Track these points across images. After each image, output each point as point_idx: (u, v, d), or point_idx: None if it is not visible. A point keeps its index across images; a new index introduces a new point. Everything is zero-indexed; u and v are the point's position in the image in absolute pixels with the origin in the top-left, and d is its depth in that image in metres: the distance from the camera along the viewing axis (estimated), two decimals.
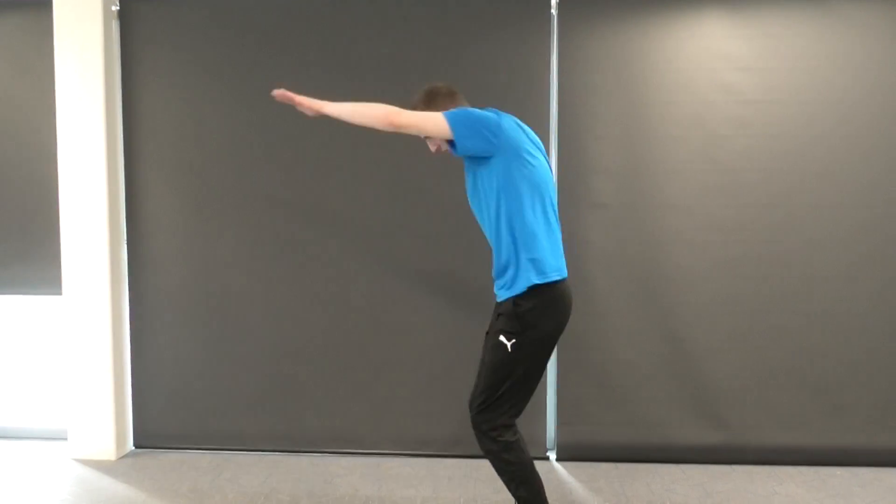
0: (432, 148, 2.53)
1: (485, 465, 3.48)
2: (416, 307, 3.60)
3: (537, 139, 2.49)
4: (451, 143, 2.34)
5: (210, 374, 3.66)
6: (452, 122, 2.29)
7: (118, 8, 3.58)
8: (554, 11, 3.48)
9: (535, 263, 2.34)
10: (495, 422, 2.39)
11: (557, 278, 2.37)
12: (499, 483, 3.28)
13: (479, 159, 2.37)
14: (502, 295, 2.42)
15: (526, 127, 2.47)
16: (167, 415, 3.69)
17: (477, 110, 2.35)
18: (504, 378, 2.37)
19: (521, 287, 2.34)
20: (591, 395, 3.52)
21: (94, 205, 3.53)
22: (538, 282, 2.33)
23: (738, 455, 3.48)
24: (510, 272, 2.38)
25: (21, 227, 3.74)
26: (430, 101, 2.47)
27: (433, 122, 2.29)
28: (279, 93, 2.35)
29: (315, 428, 3.65)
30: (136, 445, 3.72)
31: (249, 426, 3.67)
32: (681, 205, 3.46)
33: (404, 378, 3.61)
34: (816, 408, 3.47)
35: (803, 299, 3.45)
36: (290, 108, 3.55)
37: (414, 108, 2.48)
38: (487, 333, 2.52)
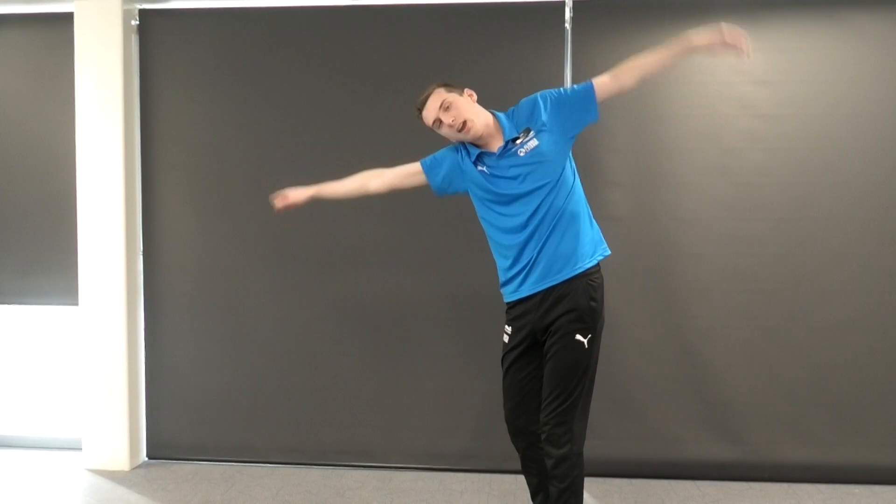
0: (447, 120, 2.41)
1: (498, 480, 3.45)
2: (430, 320, 3.60)
3: None
4: (593, 114, 2.46)
5: (223, 386, 3.67)
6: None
7: (137, 23, 3.64)
8: (568, 25, 3.50)
9: (600, 234, 2.52)
10: (571, 423, 2.38)
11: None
12: (510, 498, 3.25)
13: (572, 138, 2.47)
14: (568, 273, 2.38)
15: None
16: (180, 426, 3.70)
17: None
18: (581, 377, 2.38)
19: (599, 255, 2.44)
20: (604, 409, 3.48)
21: (111, 216, 3.56)
22: (609, 252, 2.50)
23: (755, 472, 3.43)
24: (586, 244, 2.42)
25: (38, 237, 3.78)
26: (444, 84, 2.48)
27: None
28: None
29: (327, 441, 3.64)
30: (149, 456, 3.73)
31: (262, 438, 3.67)
32: (695, 218, 3.45)
33: (417, 391, 3.60)
34: (834, 424, 3.42)
35: (819, 313, 3.42)
36: (305, 120, 3.58)
37: (428, 92, 2.46)
38: (516, 348, 2.52)
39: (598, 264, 2.46)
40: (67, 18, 3.60)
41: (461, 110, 2.40)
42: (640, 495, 3.29)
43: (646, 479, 3.46)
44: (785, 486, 3.38)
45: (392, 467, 3.61)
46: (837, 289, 3.41)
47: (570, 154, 2.49)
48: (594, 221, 2.52)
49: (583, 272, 2.38)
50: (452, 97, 2.41)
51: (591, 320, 2.38)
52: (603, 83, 2.44)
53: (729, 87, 3.43)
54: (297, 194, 2.71)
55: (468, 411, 3.57)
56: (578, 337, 2.36)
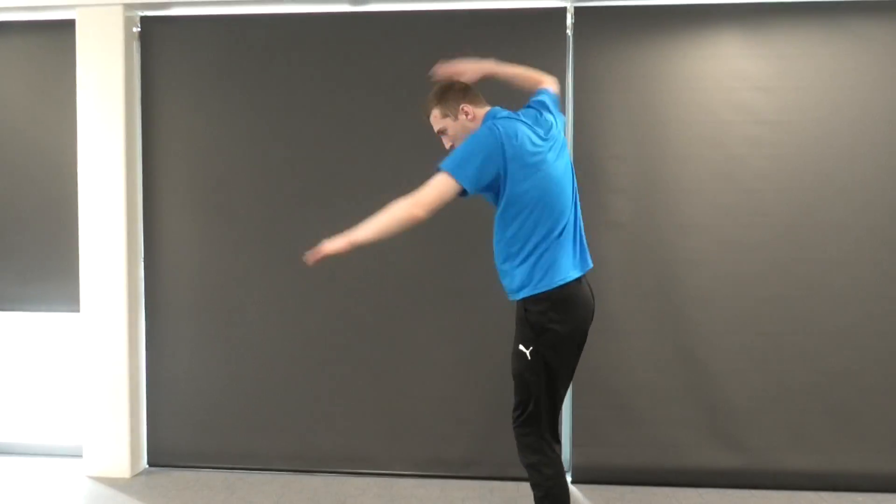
0: (446, 145, 2.52)
1: (499, 487, 3.44)
2: (431, 326, 3.59)
3: (551, 128, 2.46)
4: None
5: (224, 393, 3.67)
6: (456, 172, 2.24)
7: (139, 29, 3.64)
8: (569, 32, 3.50)
9: (543, 271, 2.32)
10: (536, 433, 2.38)
11: (564, 282, 2.33)
12: None
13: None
14: (511, 296, 2.41)
15: (539, 121, 2.44)
16: (181, 433, 3.70)
17: (476, 144, 2.29)
18: (531, 386, 2.36)
19: (526, 293, 2.34)
20: (606, 416, 3.48)
21: (113, 222, 3.56)
22: (542, 290, 2.31)
23: (758, 479, 3.42)
24: (517, 279, 2.36)
25: (40, 244, 3.78)
26: (441, 98, 2.47)
27: (444, 186, 2.24)
28: (313, 259, 2.35)
29: (328, 448, 3.64)
30: (150, 463, 3.73)
31: (263, 445, 3.66)
32: (697, 224, 3.44)
33: (418, 398, 3.59)
34: (837, 431, 3.41)
35: (822, 320, 3.41)
36: (307, 126, 3.59)
37: (427, 107, 2.50)
38: None
39: (548, 291, 2.33)
40: (69, 25, 3.61)
41: (456, 139, 2.47)
42: (642, 502, 3.28)
43: (648, 486, 3.45)
44: (787, 493, 3.37)
45: (393, 474, 3.60)
46: (840, 295, 3.40)
47: (507, 210, 2.35)
48: (529, 261, 2.34)
49: (519, 299, 2.38)
50: (446, 124, 2.47)
51: (528, 332, 2.34)
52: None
53: (731, 94, 3.43)
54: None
55: (470, 418, 3.56)
56: (521, 347, 2.36)
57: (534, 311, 2.32)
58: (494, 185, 2.32)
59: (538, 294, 2.32)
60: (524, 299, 2.35)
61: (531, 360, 2.34)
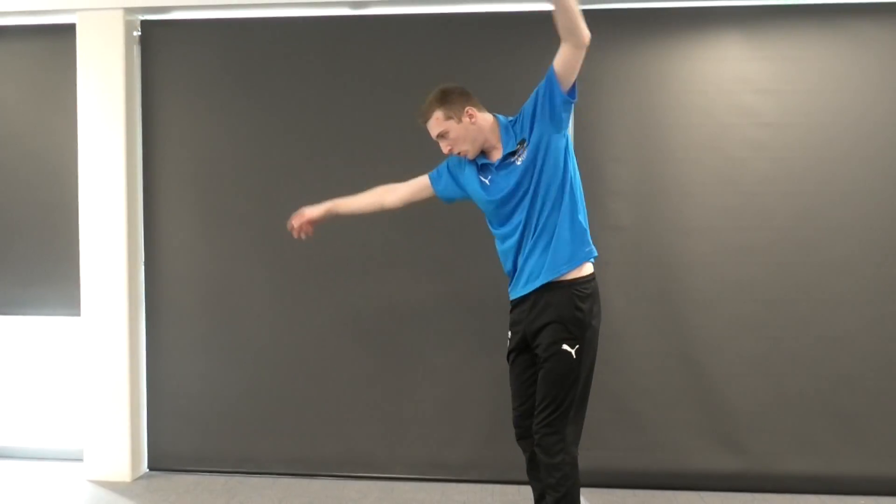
0: (445, 149, 2.50)
1: (500, 490, 3.44)
2: (431, 329, 3.59)
3: None
4: (557, 91, 2.30)
5: (225, 397, 3.66)
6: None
7: (140, 33, 3.65)
8: None
9: (589, 239, 2.46)
10: (564, 433, 2.38)
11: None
12: None
13: (556, 128, 2.36)
14: (551, 275, 2.36)
15: None
16: (182, 437, 3.69)
17: None
18: (571, 386, 2.37)
19: (587, 256, 2.40)
20: (607, 419, 3.47)
21: (113, 226, 3.57)
22: (595, 255, 2.44)
23: (759, 483, 3.41)
24: (572, 248, 2.37)
25: (40, 248, 3.78)
26: (444, 100, 2.43)
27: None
28: None
29: (329, 451, 3.63)
30: (151, 467, 3.72)
31: (263, 449, 3.66)
32: (698, 227, 3.44)
33: (419, 401, 3.59)
34: (839, 434, 3.39)
35: (823, 323, 3.40)
36: (307, 129, 3.59)
37: (428, 110, 2.45)
38: (514, 351, 2.54)
39: (590, 275, 2.42)
40: (70, 29, 3.61)
41: (457, 142, 2.45)
42: None
43: (649, 489, 3.44)
44: (789, 497, 3.36)
45: (394, 478, 3.59)
46: (842, 299, 3.39)
47: (569, 156, 2.43)
48: (585, 223, 2.45)
49: (570, 279, 2.37)
50: (449, 126, 2.43)
51: (577, 330, 2.36)
52: (558, 57, 2.27)
53: (732, 96, 3.42)
54: (312, 211, 2.72)
55: (471, 421, 3.55)
56: (566, 347, 2.35)
57: (583, 308, 2.35)
58: (567, 106, 2.36)
59: (589, 274, 2.41)
60: (579, 281, 2.36)
61: (577, 359, 2.35)
